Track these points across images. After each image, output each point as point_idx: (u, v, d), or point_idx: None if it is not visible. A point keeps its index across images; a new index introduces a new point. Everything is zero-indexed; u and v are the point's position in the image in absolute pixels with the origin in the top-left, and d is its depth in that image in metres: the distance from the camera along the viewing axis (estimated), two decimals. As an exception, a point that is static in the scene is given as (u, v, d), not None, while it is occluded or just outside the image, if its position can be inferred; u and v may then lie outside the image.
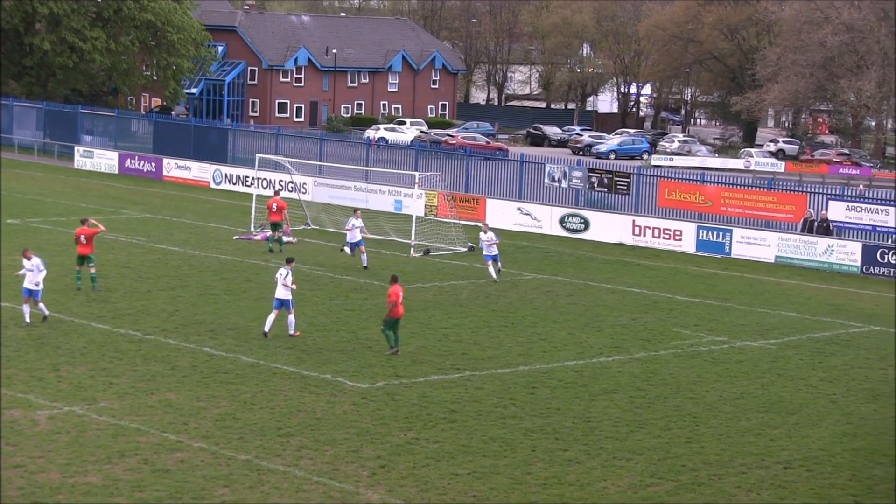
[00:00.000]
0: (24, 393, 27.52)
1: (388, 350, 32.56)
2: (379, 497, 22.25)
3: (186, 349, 32.10)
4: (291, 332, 33.89)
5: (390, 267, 46.03)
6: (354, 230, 45.23)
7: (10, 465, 22.87)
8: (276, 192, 51.21)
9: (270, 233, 48.83)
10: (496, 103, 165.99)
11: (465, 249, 50.74)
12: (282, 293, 33.75)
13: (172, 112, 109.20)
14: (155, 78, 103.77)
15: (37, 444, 24.15)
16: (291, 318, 33.92)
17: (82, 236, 38.83)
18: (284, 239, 49.59)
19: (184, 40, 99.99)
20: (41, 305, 33.89)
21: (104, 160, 76.39)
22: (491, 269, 44.13)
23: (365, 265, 44.83)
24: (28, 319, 33.59)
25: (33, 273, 33.49)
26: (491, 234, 44.13)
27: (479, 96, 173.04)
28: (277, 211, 48.74)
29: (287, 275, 33.80)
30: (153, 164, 73.89)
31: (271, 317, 33.81)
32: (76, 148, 78.71)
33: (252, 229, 52.50)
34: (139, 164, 74.54)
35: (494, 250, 44.11)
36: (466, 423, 26.87)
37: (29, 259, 33.60)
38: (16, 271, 35.20)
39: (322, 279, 42.91)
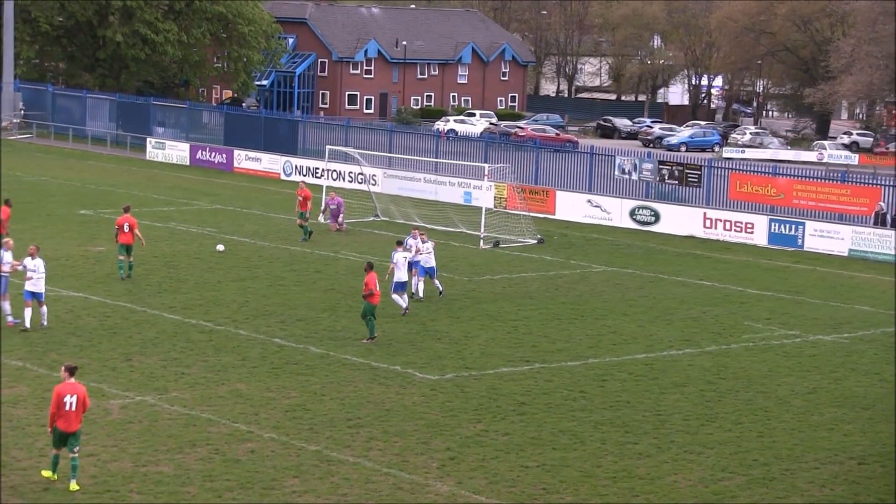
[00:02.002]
0: (97, 382, 27.77)
1: (369, 339, 32.42)
2: (448, 489, 22.23)
3: (256, 340, 32.26)
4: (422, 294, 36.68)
5: (460, 259, 46.05)
6: (431, 255, 38.54)
7: (84, 454, 23.05)
8: (304, 183, 51.42)
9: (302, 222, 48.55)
10: (566, 95, 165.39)
11: (535, 241, 50.61)
12: (405, 275, 35.54)
13: (243, 104, 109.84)
14: (226, 70, 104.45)
15: (109, 434, 24.37)
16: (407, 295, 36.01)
17: (126, 225, 38.83)
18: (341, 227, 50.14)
19: (255, 32, 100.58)
20: (43, 309, 32.16)
21: (176, 151, 76.93)
22: (421, 285, 37.94)
23: (439, 292, 38.63)
24: (28, 324, 31.81)
25: (36, 273, 31.57)
26: (430, 244, 38.39)
27: (548, 88, 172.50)
28: (304, 200, 48.62)
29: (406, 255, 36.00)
30: (224, 155, 74.31)
31: (402, 298, 35.62)
32: (148, 139, 79.32)
33: (322, 218, 52.73)
34: (210, 156, 75.01)
35: (432, 261, 38.22)
36: (536, 415, 26.80)
37: (33, 258, 31.70)
38: (19, 265, 32.28)
39: (391, 271, 42.90)
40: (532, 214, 54.99)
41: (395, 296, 35.59)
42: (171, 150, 77.27)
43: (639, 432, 25.89)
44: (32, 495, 21.11)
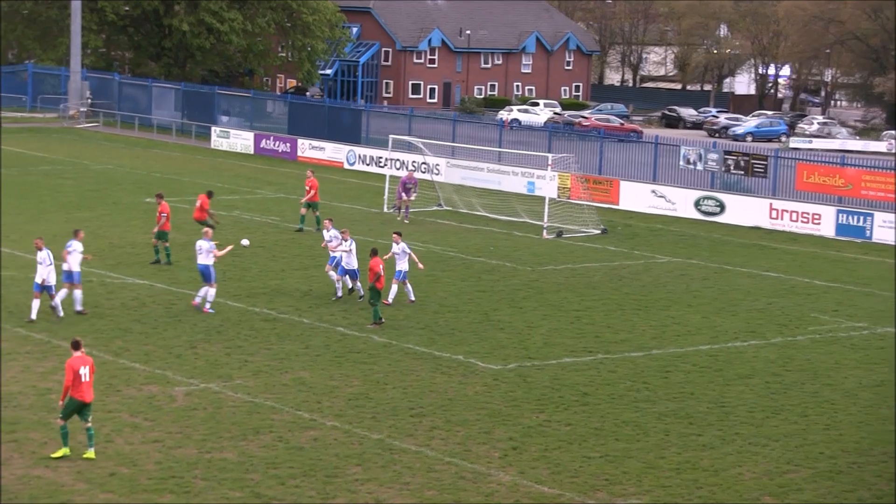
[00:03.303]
0: (162, 369, 27.97)
1: (374, 323, 32.46)
2: (510, 478, 22.18)
3: (320, 328, 32.34)
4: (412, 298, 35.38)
5: (522, 249, 45.95)
6: (352, 256, 35.57)
7: (149, 440, 23.28)
8: (312, 172, 50.34)
9: (306, 211, 47.94)
10: (631, 85, 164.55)
11: (599, 232, 50.39)
12: (406, 265, 35.19)
13: (307, 93, 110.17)
14: (290, 59, 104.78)
15: (174, 420, 24.54)
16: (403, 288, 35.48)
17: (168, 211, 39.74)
18: (405, 221, 50.01)
19: (319, 22, 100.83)
20: (56, 301, 31.76)
21: (240, 140, 77.29)
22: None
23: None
24: (34, 316, 31.38)
25: (43, 266, 31.19)
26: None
27: (613, 78, 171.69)
28: (311, 190, 47.98)
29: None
30: (288, 144, 74.57)
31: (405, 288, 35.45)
32: (213, 128, 79.74)
33: (386, 209, 52.79)
34: (274, 145, 75.28)
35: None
36: (599, 406, 26.69)
37: (40, 250, 31.31)
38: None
39: (453, 260, 42.94)
40: (596, 204, 54.76)
41: (394, 284, 35.31)
42: (235, 139, 77.64)
43: (703, 424, 25.72)
44: (99, 480, 21.30)
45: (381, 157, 67.22)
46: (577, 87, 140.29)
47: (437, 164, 63.49)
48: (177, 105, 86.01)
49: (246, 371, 28.23)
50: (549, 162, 54.26)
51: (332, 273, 35.81)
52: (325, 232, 36.75)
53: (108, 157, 69.09)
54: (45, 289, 31.48)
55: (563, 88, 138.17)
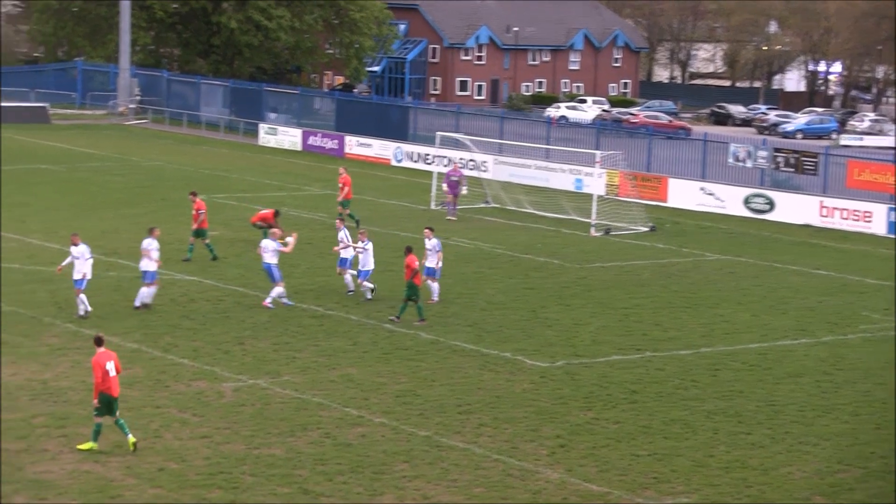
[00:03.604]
0: (210, 365, 28.05)
1: (394, 318, 32.57)
2: (558, 476, 22.10)
3: (367, 325, 32.35)
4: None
5: (570, 246, 45.80)
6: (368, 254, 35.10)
7: (198, 436, 23.35)
8: (345, 169, 50.30)
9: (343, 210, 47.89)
10: (679, 82, 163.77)
11: (647, 229, 50.17)
12: (433, 262, 35.05)
13: (355, 90, 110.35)
14: (338, 56, 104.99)
15: (222, 416, 24.60)
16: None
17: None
18: (450, 218, 49.93)
19: (366, 19, 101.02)
20: (82, 296, 31.60)
21: (288, 137, 77.50)
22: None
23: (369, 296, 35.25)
24: (88, 308, 31.63)
25: (80, 261, 31.23)
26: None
27: (661, 74, 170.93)
28: (343, 187, 47.99)
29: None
30: (335, 141, 74.70)
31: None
32: (261, 125, 79.99)
33: (433, 205, 52.76)
34: (322, 142, 75.42)
35: (370, 264, 35.03)
36: (647, 403, 26.56)
37: (76, 245, 31.45)
38: (61, 264, 32.41)
39: (501, 257, 42.87)
40: (644, 202, 54.53)
41: (431, 283, 35.24)
42: (283, 136, 77.86)
43: (752, 422, 25.55)
44: (148, 475, 21.38)
45: (428, 154, 67.20)
46: (626, 84, 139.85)
47: (485, 161, 63.41)
48: (225, 102, 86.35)
49: (294, 367, 28.28)
50: (598, 159, 54.08)
51: (346, 276, 35.70)
52: (339, 232, 36.44)
53: (156, 153, 69.44)
54: (77, 283, 31.54)
55: (611, 85, 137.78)
